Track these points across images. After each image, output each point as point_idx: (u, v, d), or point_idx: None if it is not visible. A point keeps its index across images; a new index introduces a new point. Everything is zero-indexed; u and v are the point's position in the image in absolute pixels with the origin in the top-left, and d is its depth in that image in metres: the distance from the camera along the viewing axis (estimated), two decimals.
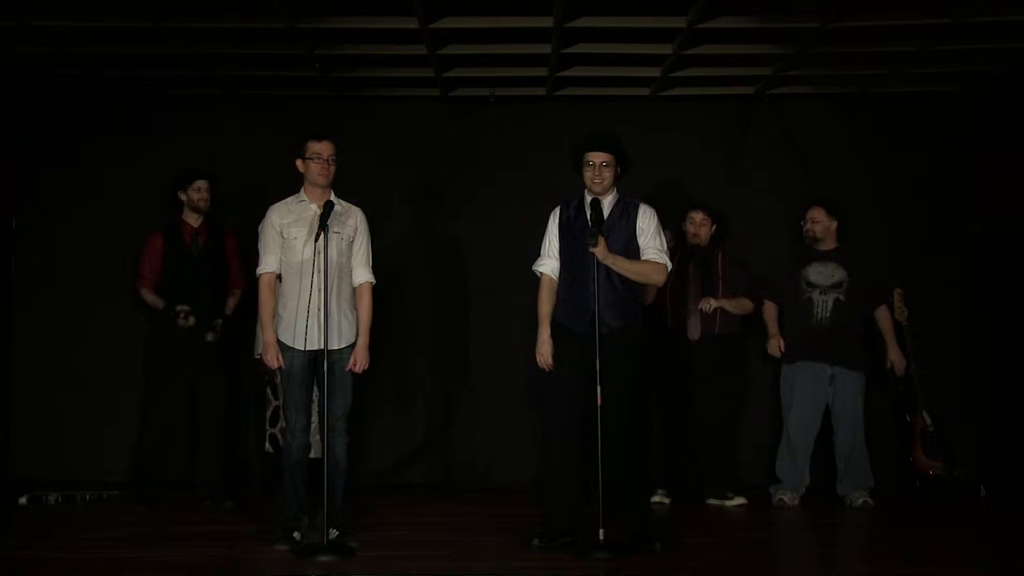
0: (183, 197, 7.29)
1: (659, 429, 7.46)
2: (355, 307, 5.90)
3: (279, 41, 7.10)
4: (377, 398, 7.87)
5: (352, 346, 5.84)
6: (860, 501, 7.18)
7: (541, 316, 5.86)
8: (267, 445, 7.56)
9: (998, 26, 6.81)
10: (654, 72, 7.74)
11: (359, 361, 5.83)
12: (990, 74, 7.80)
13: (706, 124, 8.30)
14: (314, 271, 5.67)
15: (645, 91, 8.17)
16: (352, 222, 5.90)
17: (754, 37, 7.12)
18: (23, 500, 7.19)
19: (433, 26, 6.83)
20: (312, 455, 6.22)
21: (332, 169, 5.83)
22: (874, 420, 7.50)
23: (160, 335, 7.35)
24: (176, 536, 6.17)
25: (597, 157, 5.75)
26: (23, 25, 6.78)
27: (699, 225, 7.47)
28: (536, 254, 5.96)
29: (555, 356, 5.80)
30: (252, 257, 7.26)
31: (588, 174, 5.77)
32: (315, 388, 5.88)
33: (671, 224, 7.22)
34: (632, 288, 5.79)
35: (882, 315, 7.47)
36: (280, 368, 5.83)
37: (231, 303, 7.41)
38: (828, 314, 7.29)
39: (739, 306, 7.43)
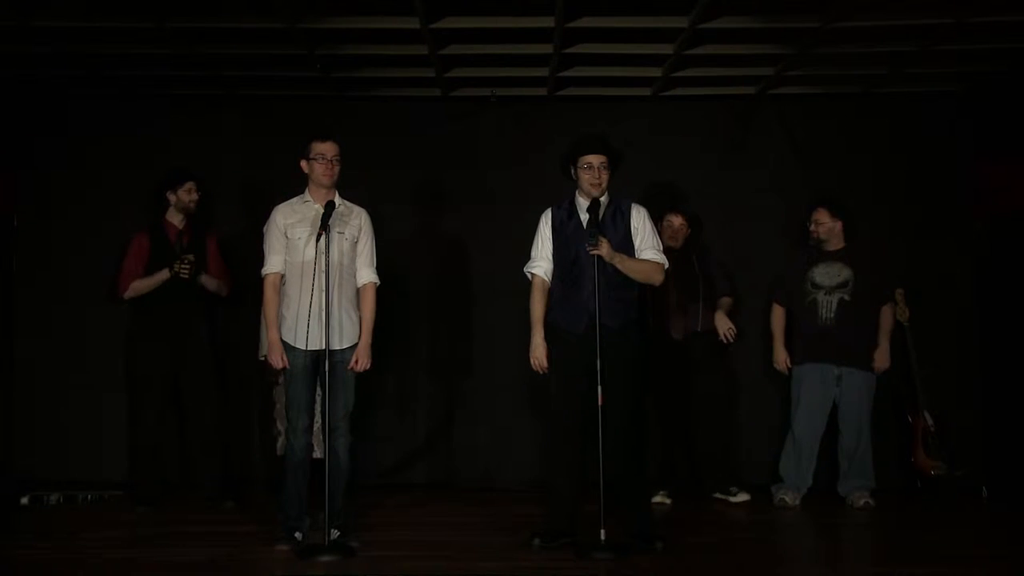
0: (172, 198, 7.26)
1: (655, 430, 7.47)
2: (358, 307, 5.90)
3: (280, 41, 7.10)
4: (379, 398, 7.86)
5: (355, 346, 5.84)
6: (862, 502, 7.18)
7: (534, 319, 5.86)
8: (278, 446, 7.55)
9: (999, 26, 6.81)
10: (655, 72, 7.74)
11: (361, 360, 5.83)
12: (991, 74, 7.80)
13: (707, 124, 8.30)
14: (316, 271, 5.67)
15: (647, 91, 8.17)
16: (356, 222, 5.91)
17: (755, 37, 7.12)
18: (24, 500, 7.19)
19: (434, 26, 6.83)
20: (316, 455, 6.22)
21: (336, 169, 5.83)
22: (876, 420, 7.50)
23: (139, 334, 7.32)
24: (177, 536, 6.17)
25: (596, 158, 5.76)
26: (24, 25, 6.78)
27: (678, 229, 7.48)
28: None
29: (554, 357, 5.80)
30: (236, 259, 7.36)
31: (587, 176, 5.77)
32: (318, 388, 5.88)
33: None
34: (628, 289, 5.80)
35: (884, 314, 7.47)
36: (284, 368, 5.84)
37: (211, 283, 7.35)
38: (833, 314, 7.28)
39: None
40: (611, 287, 5.69)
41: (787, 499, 7.24)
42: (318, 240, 5.65)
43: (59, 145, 8.20)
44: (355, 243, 5.89)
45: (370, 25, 6.88)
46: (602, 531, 5.42)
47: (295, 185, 5.96)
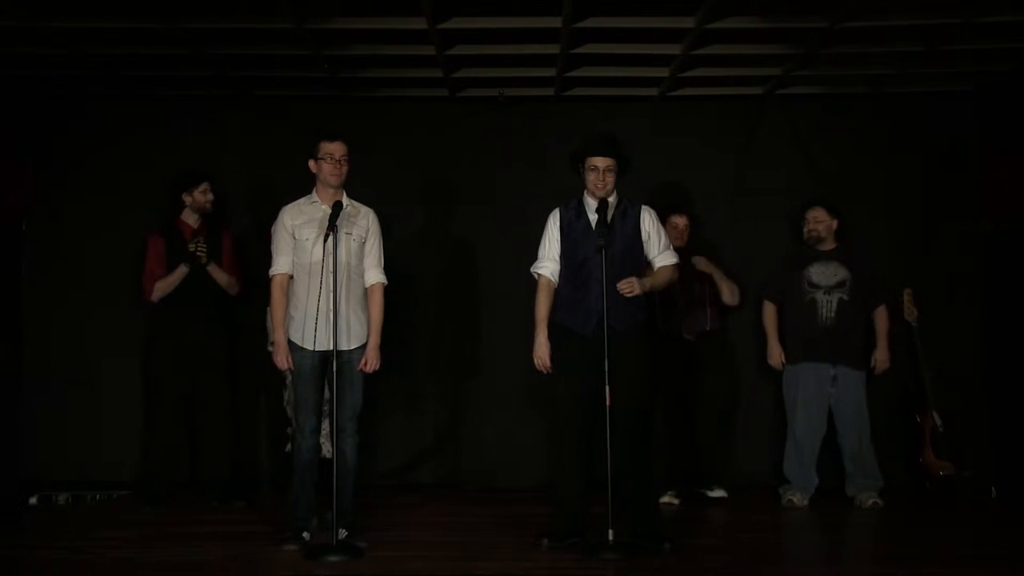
0: (187, 199, 7.31)
1: (663, 430, 7.47)
2: (366, 308, 5.91)
3: (288, 42, 7.11)
4: (387, 398, 7.86)
5: (363, 347, 5.85)
6: (870, 502, 7.17)
7: (539, 318, 5.86)
8: (287, 446, 7.56)
9: (1007, 26, 6.79)
10: (662, 72, 7.73)
11: (370, 361, 5.84)
12: (1000, 74, 7.78)
13: (715, 125, 8.29)
14: (323, 272, 5.67)
15: (654, 91, 8.17)
16: (364, 223, 5.92)
17: (763, 37, 7.11)
18: (33, 500, 7.21)
19: (441, 26, 6.83)
20: (324, 455, 6.24)
21: (344, 169, 5.84)
22: (883, 421, 7.50)
23: (158, 335, 7.37)
24: (185, 536, 6.17)
25: (602, 161, 5.76)
26: (34, 27, 6.80)
27: (683, 230, 7.49)
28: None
29: (561, 358, 5.80)
30: (250, 258, 7.37)
31: (592, 178, 5.78)
32: (327, 389, 5.89)
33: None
34: None
35: (880, 315, 7.45)
36: (291, 369, 5.84)
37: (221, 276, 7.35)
38: (833, 314, 7.28)
39: (730, 289, 7.51)
40: (621, 282, 5.69)
41: (795, 500, 7.23)
42: (325, 241, 5.65)
43: (69, 146, 8.22)
44: (363, 243, 5.90)
45: (377, 25, 6.89)
46: (610, 531, 5.41)
47: (303, 185, 5.97)
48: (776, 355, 7.46)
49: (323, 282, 5.67)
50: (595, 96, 8.23)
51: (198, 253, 7.15)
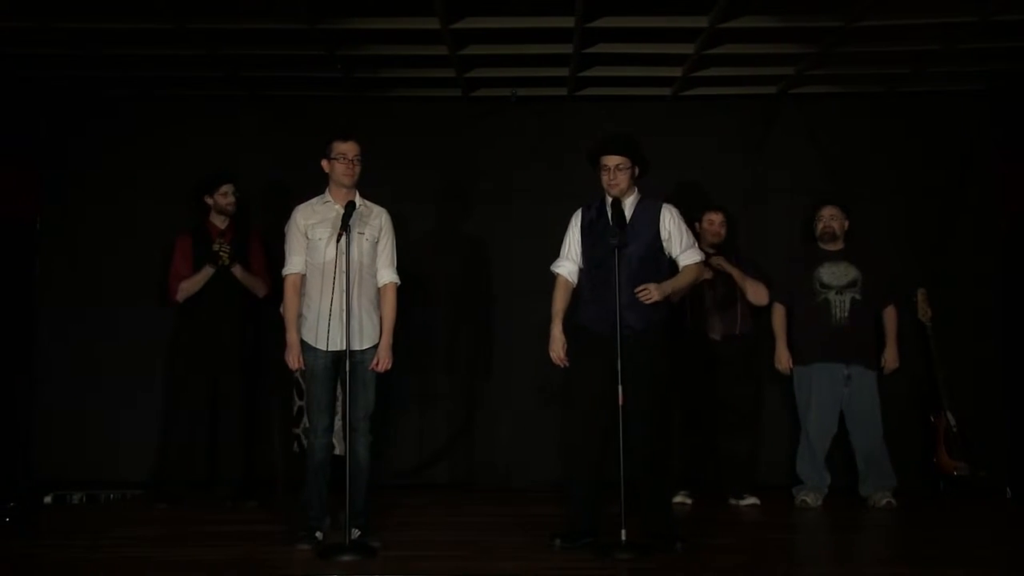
0: (209, 201, 7.35)
1: (681, 430, 7.47)
2: (379, 308, 5.91)
3: (301, 42, 7.13)
4: (399, 398, 7.87)
5: (375, 347, 5.85)
6: (883, 502, 7.15)
7: (554, 312, 5.88)
8: (295, 445, 7.57)
9: (1022, 24, 6.76)
10: (675, 72, 7.72)
11: (382, 360, 5.84)
12: (1015, 72, 7.75)
13: (728, 124, 8.27)
14: (336, 271, 5.68)
15: (666, 91, 8.15)
16: (377, 222, 5.92)
17: (776, 36, 7.10)
18: (47, 499, 7.24)
19: (454, 26, 6.84)
20: (337, 453, 6.25)
21: (357, 169, 5.84)
22: (897, 421, 7.47)
23: (185, 335, 7.41)
24: (199, 535, 6.20)
25: (611, 160, 5.77)
26: (48, 28, 6.83)
27: (719, 226, 7.47)
28: (558, 254, 5.98)
29: (579, 357, 5.81)
30: (278, 258, 7.39)
31: (603, 177, 5.79)
32: (340, 388, 5.90)
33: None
34: None
35: (888, 314, 7.43)
36: (303, 368, 5.86)
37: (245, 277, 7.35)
38: (846, 314, 7.26)
39: (755, 289, 7.42)
40: (636, 286, 5.67)
41: (808, 500, 7.21)
42: (338, 240, 5.66)
43: (83, 146, 8.25)
44: (375, 243, 5.90)
45: (390, 26, 6.90)
46: (623, 531, 5.41)
47: (317, 185, 5.98)
48: (784, 360, 7.43)
49: (336, 282, 5.67)
50: (608, 96, 8.22)
51: (221, 254, 7.17)
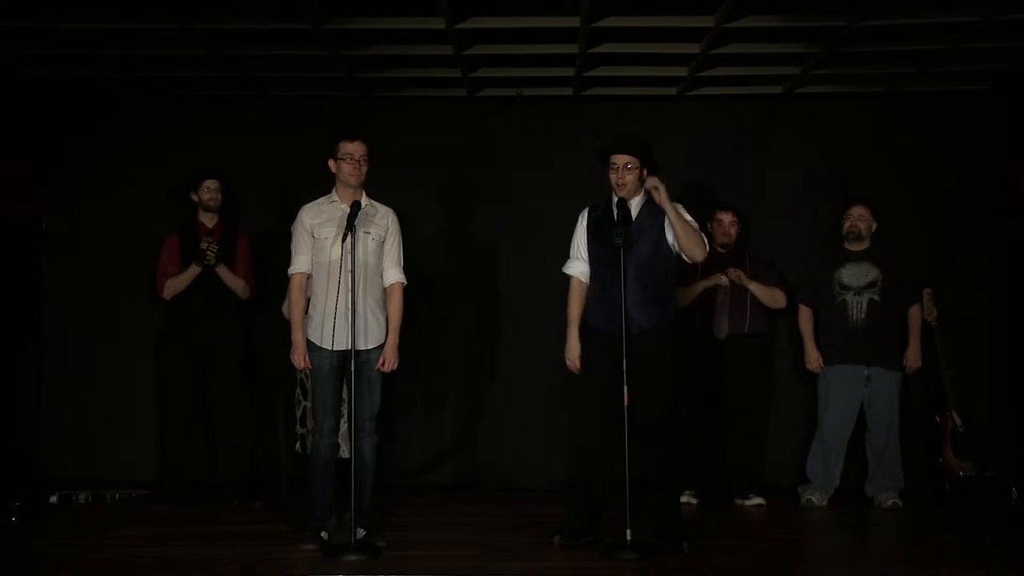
0: (194, 198, 7.35)
1: (687, 429, 7.47)
2: (385, 307, 5.91)
3: (306, 42, 7.13)
4: (405, 398, 7.87)
5: (381, 346, 5.85)
6: (889, 502, 7.14)
7: (570, 319, 5.91)
8: (297, 446, 7.58)
9: None
10: (681, 72, 7.72)
11: (388, 360, 5.84)
12: (1019, 71, 7.73)
13: (733, 124, 8.26)
14: (342, 271, 5.69)
15: (672, 91, 8.15)
16: (384, 222, 5.92)
17: (782, 36, 7.09)
18: (53, 499, 7.25)
19: (460, 26, 6.83)
20: (343, 454, 6.25)
21: (363, 169, 5.85)
22: (904, 421, 7.46)
23: (171, 336, 7.42)
24: (204, 535, 6.20)
25: (620, 159, 5.78)
26: (54, 27, 6.83)
27: (729, 226, 7.46)
28: (564, 254, 5.98)
29: (588, 357, 5.82)
30: (267, 259, 7.39)
31: (612, 176, 5.81)
32: (345, 388, 5.90)
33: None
34: (662, 287, 5.80)
35: (913, 313, 7.43)
36: (308, 368, 5.86)
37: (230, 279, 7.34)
38: (864, 315, 7.25)
39: (771, 296, 7.40)
40: (645, 286, 5.69)
41: (814, 500, 7.21)
42: (344, 240, 5.66)
43: (88, 146, 8.25)
44: (382, 243, 5.90)
45: (396, 26, 6.90)
46: (628, 531, 5.41)
47: (323, 185, 5.98)
48: (814, 360, 7.43)
49: (341, 281, 5.68)
50: (613, 96, 8.21)
51: (208, 253, 7.17)
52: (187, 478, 7.38)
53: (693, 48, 7.26)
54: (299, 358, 5.82)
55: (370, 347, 5.82)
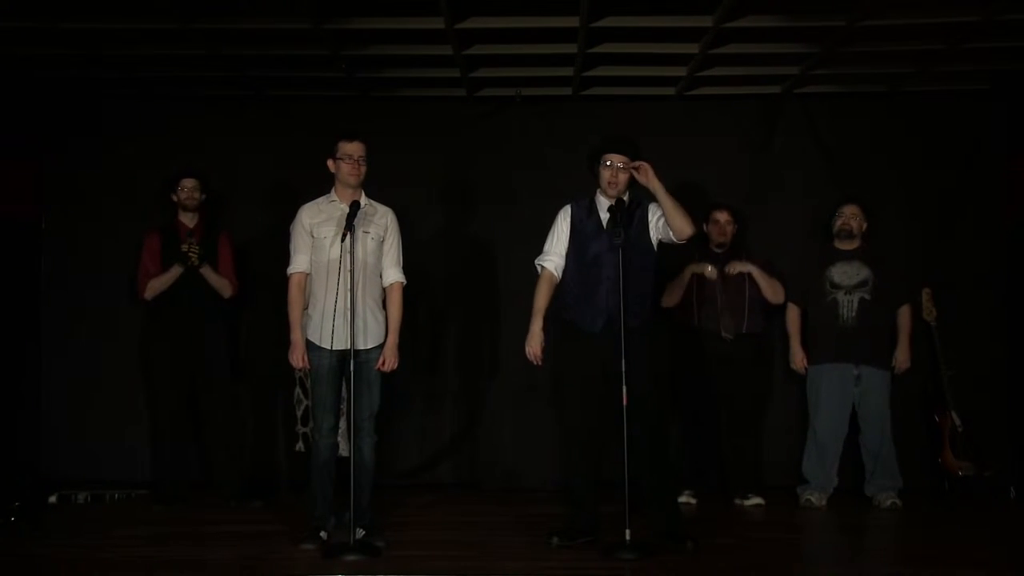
0: (174, 197, 7.34)
1: (686, 429, 7.47)
2: (384, 307, 5.91)
3: (306, 42, 7.13)
4: (404, 398, 7.87)
5: (380, 346, 5.85)
6: (888, 502, 7.15)
7: (536, 308, 5.89)
8: (299, 444, 7.58)
9: None
10: (680, 71, 7.72)
11: (388, 360, 5.84)
12: (1019, 71, 7.74)
13: (732, 124, 8.26)
14: (341, 270, 5.69)
15: (671, 91, 8.15)
16: (383, 222, 5.92)
17: (781, 36, 7.10)
18: (53, 499, 7.24)
19: (459, 26, 6.84)
20: (342, 453, 6.25)
21: (362, 169, 5.85)
22: (902, 420, 7.46)
23: (153, 336, 7.41)
24: (203, 535, 6.21)
25: (617, 158, 5.79)
26: (52, 27, 6.83)
27: (724, 225, 7.46)
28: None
29: (570, 356, 5.85)
30: (248, 258, 7.38)
31: (607, 174, 5.82)
32: (344, 388, 5.90)
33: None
34: (646, 284, 5.84)
35: (903, 314, 7.42)
36: (307, 368, 5.86)
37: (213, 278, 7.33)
38: (854, 314, 7.25)
39: (772, 286, 7.40)
40: (630, 285, 5.68)
41: (813, 500, 7.21)
42: (343, 239, 5.66)
43: (87, 145, 8.25)
44: (381, 243, 5.90)
45: (395, 25, 6.90)
46: (627, 531, 5.41)
47: (322, 185, 5.98)
48: (799, 359, 7.44)
49: (340, 281, 5.68)
50: (613, 96, 8.22)
51: (190, 254, 7.17)
52: (186, 478, 7.38)
53: (692, 48, 7.26)
54: (298, 358, 5.82)
55: (369, 347, 5.82)
